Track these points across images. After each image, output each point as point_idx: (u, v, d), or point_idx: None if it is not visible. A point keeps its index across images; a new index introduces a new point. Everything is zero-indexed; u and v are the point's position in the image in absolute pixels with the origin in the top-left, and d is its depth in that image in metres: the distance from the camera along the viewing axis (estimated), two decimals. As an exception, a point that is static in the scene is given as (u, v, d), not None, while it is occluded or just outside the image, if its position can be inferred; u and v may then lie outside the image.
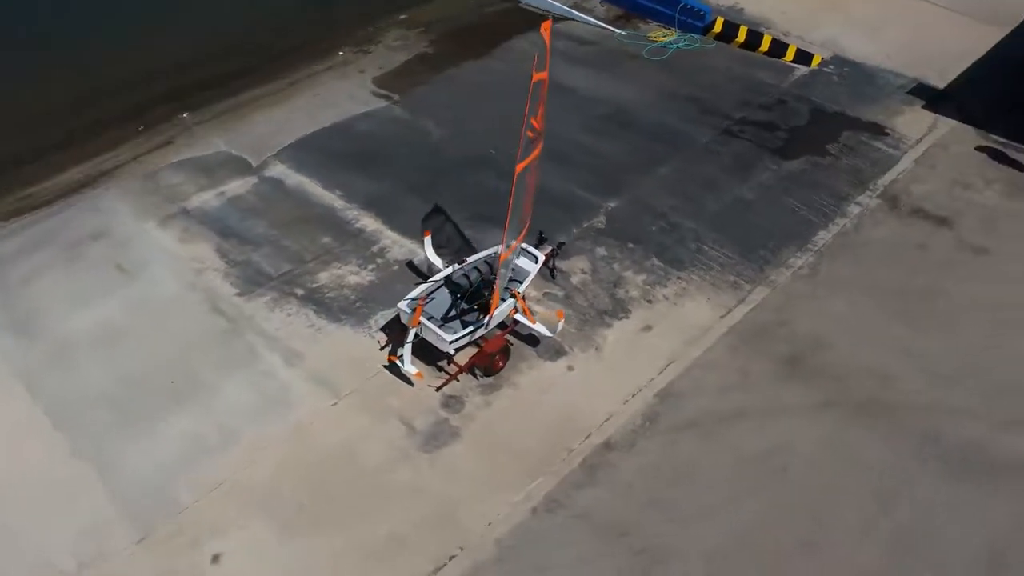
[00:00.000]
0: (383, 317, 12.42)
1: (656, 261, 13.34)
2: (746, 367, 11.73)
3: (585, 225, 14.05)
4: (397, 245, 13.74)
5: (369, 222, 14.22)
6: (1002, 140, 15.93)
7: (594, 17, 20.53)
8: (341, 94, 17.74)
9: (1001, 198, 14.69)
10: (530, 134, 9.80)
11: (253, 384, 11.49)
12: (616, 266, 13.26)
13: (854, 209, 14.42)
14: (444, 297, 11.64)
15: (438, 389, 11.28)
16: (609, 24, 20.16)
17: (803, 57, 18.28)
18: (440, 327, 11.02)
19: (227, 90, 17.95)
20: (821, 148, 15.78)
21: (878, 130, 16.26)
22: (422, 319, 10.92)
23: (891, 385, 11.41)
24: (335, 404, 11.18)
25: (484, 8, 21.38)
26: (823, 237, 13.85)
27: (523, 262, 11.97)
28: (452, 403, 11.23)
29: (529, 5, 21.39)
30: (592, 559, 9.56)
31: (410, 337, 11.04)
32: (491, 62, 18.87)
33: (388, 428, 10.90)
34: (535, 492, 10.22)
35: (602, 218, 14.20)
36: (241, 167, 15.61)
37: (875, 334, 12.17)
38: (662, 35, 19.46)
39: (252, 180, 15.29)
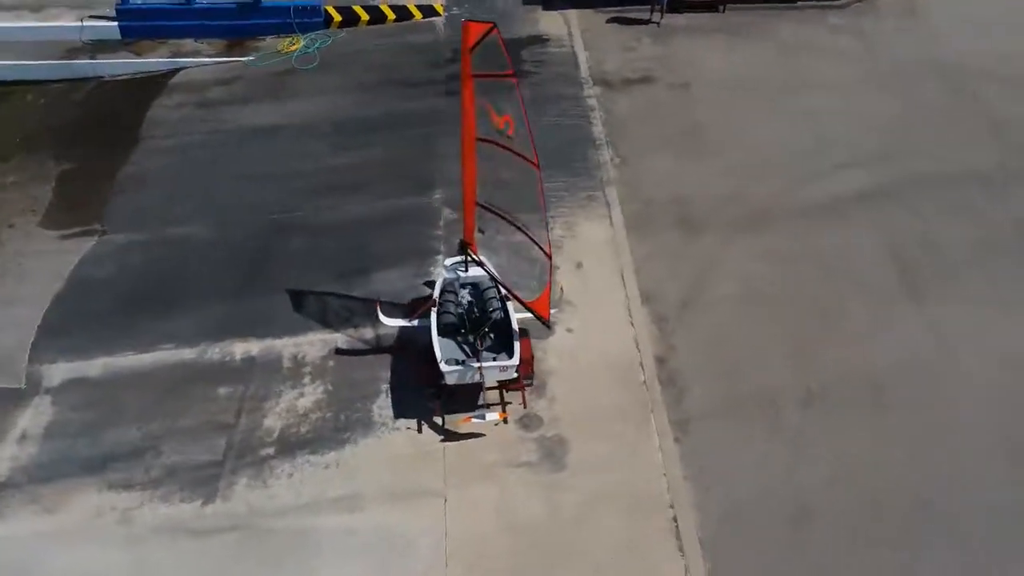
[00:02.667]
0: (383, 408, 11.10)
1: (525, 215, 14.03)
2: (664, 244, 13.51)
3: (442, 223, 13.91)
4: (306, 345, 12.00)
5: (247, 346, 12.03)
6: (614, 9, 19.58)
7: (206, 57, 18.78)
8: (21, 260, 13.85)
9: (655, 46, 18.39)
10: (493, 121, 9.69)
11: (344, 553, 9.58)
12: (503, 237, 13.61)
13: (592, 101, 16.74)
14: (446, 341, 10.91)
15: (506, 421, 10.81)
16: (228, 57, 18.70)
17: (428, 10, 19.54)
18: (495, 359, 10.47)
19: None
20: (523, 71, 17.55)
21: (540, 39, 18.62)
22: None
23: (746, 199, 14.30)
24: (446, 500, 10.03)
25: (68, 97, 17.95)
26: (597, 131, 15.94)
27: (478, 271, 11.70)
28: (528, 421, 10.91)
29: (116, 77, 18.56)
30: (750, 429, 10.75)
31: (501, 416, 10.47)
32: (155, 141, 16.34)
33: (512, 479, 10.25)
34: (661, 427, 10.84)
35: (445, 210, 14.16)
36: (7, 398, 11.58)
37: (700, 174, 14.87)
38: (289, 43, 18.80)
39: (45, 401, 11.53)
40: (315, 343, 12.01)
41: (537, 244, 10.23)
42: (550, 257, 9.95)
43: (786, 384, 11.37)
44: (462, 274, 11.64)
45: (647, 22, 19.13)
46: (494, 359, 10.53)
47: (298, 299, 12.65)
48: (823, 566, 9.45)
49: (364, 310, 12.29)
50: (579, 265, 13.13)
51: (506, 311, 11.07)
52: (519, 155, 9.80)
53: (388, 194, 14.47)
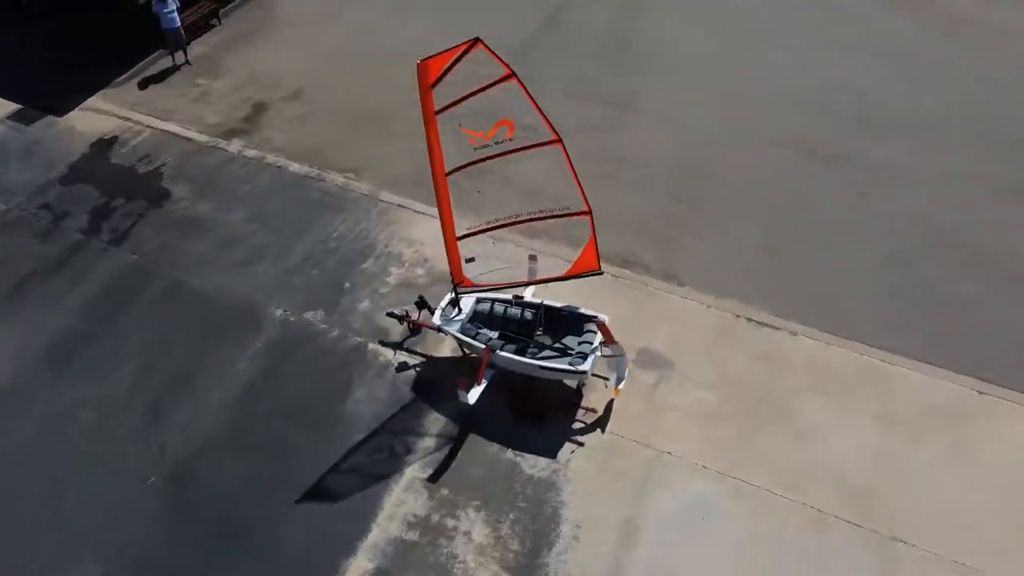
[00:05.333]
0: (536, 464, 10.34)
1: (373, 263, 13.00)
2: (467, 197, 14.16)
3: (329, 328, 12.05)
4: (399, 507, 9.99)
5: (353, 569, 9.55)
6: (125, 78, 17.14)
7: None
8: None
9: (224, 78, 17.01)
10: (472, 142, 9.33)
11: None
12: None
13: (250, 152, 15.19)
14: (542, 343, 10.81)
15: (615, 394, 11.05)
16: None
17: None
18: (601, 340, 10.60)
19: None
20: (145, 185, 14.71)
21: (108, 142, 15.50)
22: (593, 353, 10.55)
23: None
24: (671, 453, 10.40)
25: None
26: (296, 169, 14.82)
27: (468, 299, 11.15)
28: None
29: None
30: (695, 242, 13.18)
31: (626, 364, 10.76)
32: None
33: (667, 400, 10.94)
34: (666, 288, 12.50)
35: (307, 315, 12.23)
36: None
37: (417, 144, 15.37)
38: None
39: None
40: (404, 500, 10.09)
41: (567, 212, 10.23)
42: (588, 213, 10.07)
43: (669, 203, 13.94)
44: (459, 317, 11.02)
45: (178, 67, 17.32)
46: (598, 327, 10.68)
47: (321, 492, 10.18)
48: (804, 256, 13.01)
49: (381, 444, 10.71)
50: (470, 260, 12.90)
51: (528, 303, 11.08)
52: (528, 147, 9.55)
53: (225, 363, 11.59)
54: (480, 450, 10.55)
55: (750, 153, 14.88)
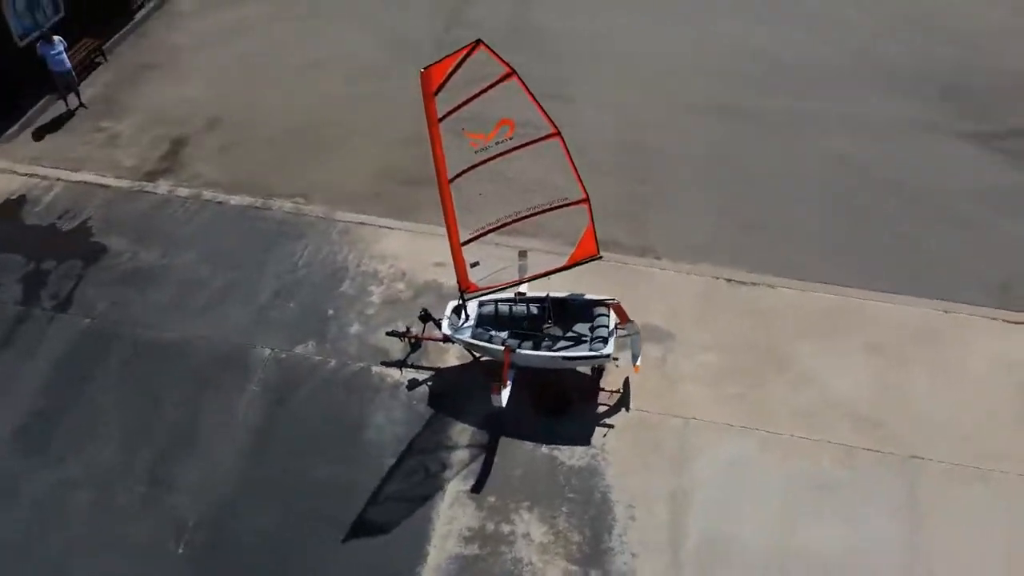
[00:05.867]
0: (574, 455, 10.41)
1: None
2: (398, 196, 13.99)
3: (325, 358, 11.56)
4: (455, 515, 9.84)
5: None
6: (15, 131, 15.61)
7: None
8: None
9: (124, 119, 15.89)
10: (474, 145, 9.25)
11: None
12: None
13: (182, 191, 14.29)
14: (555, 351, 10.72)
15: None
16: None
17: None
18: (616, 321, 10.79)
19: None
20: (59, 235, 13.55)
21: (17, 203, 14.10)
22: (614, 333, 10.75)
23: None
24: (693, 419, 10.74)
25: None
26: (236, 201, 14.10)
27: (472, 306, 11.01)
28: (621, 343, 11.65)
29: None
30: (646, 215, 13.63)
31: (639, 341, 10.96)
32: None
33: (681, 370, 11.27)
34: (645, 263, 12.87)
35: (298, 349, 11.69)
36: None
37: (381, 148, 14.97)
38: None
39: None
40: (454, 516, 9.85)
41: (566, 203, 10.23)
42: (586, 200, 10.11)
43: (624, 182, 14.26)
44: (467, 324, 10.89)
45: (73, 111, 16.01)
46: (607, 312, 10.85)
47: (364, 526, 9.81)
48: (755, 211, 13.69)
49: (414, 466, 10.43)
50: (475, 265, 12.44)
51: (533, 298, 11.10)
52: (528, 143, 9.49)
53: (222, 413, 10.90)
54: (515, 451, 10.49)
55: (680, 124, 15.49)
